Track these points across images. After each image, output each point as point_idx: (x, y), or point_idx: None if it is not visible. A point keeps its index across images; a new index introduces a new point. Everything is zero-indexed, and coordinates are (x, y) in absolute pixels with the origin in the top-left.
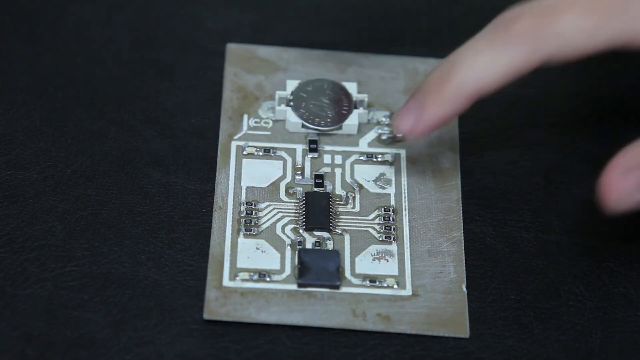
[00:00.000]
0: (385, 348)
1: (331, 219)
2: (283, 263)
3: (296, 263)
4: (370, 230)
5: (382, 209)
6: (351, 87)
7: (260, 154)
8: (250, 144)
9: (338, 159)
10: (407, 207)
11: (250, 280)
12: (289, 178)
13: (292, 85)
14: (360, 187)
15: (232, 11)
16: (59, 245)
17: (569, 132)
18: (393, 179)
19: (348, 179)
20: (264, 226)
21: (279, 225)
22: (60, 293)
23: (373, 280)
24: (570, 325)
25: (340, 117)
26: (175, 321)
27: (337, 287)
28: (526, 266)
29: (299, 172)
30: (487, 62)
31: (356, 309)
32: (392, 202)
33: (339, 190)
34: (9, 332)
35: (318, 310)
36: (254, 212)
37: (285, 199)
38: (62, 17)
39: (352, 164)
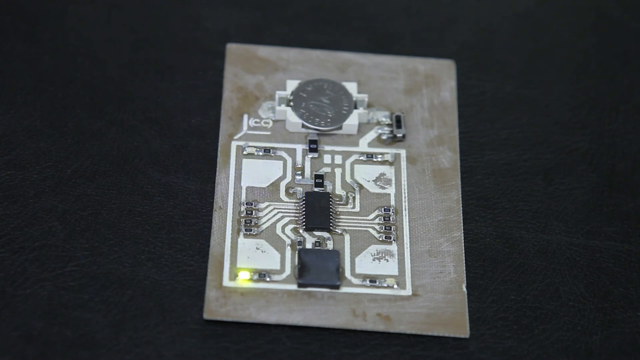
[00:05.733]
0: (385, 348)
1: (331, 219)
2: (283, 263)
3: (296, 263)
4: (370, 230)
5: (382, 209)
6: (351, 87)
7: (260, 154)
8: (250, 144)
9: (338, 159)
10: (407, 207)
11: (250, 280)
12: (289, 178)
13: (292, 85)
14: (360, 187)
15: (232, 11)
16: (59, 245)
17: (569, 132)
18: (393, 179)
19: (348, 179)
20: (264, 226)
21: (279, 225)
22: (60, 293)
23: (373, 280)
24: (570, 326)
25: (340, 117)
26: (175, 321)
27: (337, 287)
28: (526, 266)
29: (299, 172)
30: None
31: (356, 309)
32: (392, 202)
33: (339, 190)
34: (9, 332)
35: (318, 310)
36: (254, 212)
37: (285, 199)
38: (62, 17)
39: (352, 164)
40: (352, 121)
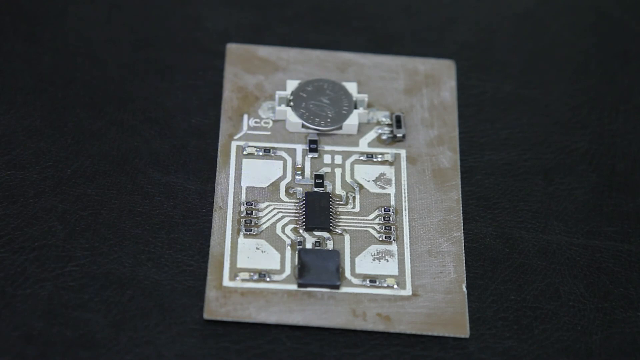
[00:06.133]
0: (385, 348)
1: (331, 219)
2: (283, 263)
3: (296, 263)
4: (370, 230)
5: (382, 209)
6: (351, 87)
7: (260, 154)
8: (250, 144)
9: (338, 159)
10: (407, 207)
11: (250, 280)
12: (289, 178)
13: (292, 85)
14: (360, 187)
15: (232, 11)
16: (59, 245)
17: (569, 132)
18: (393, 179)
19: (348, 179)
20: (264, 226)
21: (279, 225)
22: (60, 293)
23: (373, 280)
24: (570, 326)
25: (340, 117)
26: (175, 321)
27: (337, 287)
28: (526, 266)
29: (299, 172)
30: None
31: (356, 309)
32: (392, 202)
33: (339, 190)
34: (9, 332)
35: (318, 310)
36: (254, 212)
37: (285, 199)
38: (62, 17)
39: (352, 164)
40: (352, 121)
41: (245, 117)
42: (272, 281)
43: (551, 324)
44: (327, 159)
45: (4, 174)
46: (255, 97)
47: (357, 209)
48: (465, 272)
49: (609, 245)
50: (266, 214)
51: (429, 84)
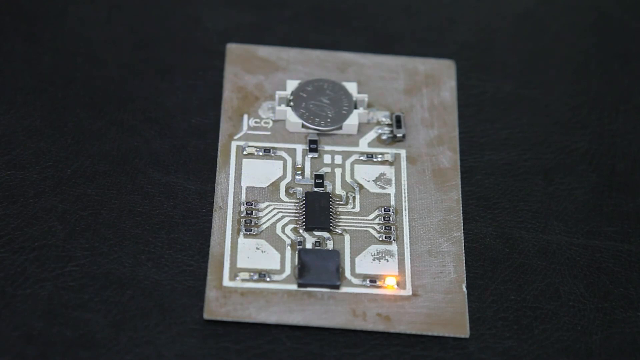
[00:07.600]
0: (385, 348)
1: (331, 219)
2: (283, 263)
3: (296, 263)
4: (370, 230)
5: (382, 209)
6: (351, 87)
7: (260, 154)
8: (250, 144)
9: (338, 159)
10: (407, 207)
11: (250, 280)
12: (289, 178)
13: (292, 85)
14: (360, 187)
15: (232, 11)
16: (59, 245)
17: (569, 132)
18: (393, 179)
19: (348, 179)
20: (264, 226)
21: (279, 225)
22: (60, 293)
23: (373, 280)
24: (570, 326)
25: (340, 117)
26: (175, 321)
27: (337, 287)
28: (526, 266)
29: (299, 172)
30: None
31: (356, 309)
32: (392, 202)
33: (339, 190)
34: (9, 332)
35: (318, 310)
36: (254, 212)
37: (285, 199)
38: (62, 17)
39: (352, 164)
40: (352, 121)
41: (245, 117)
42: (272, 281)
43: (551, 324)
44: (327, 159)
45: (4, 174)
46: (255, 97)
47: (357, 209)
48: (465, 272)
49: (609, 245)
50: (266, 214)
51: (429, 84)
